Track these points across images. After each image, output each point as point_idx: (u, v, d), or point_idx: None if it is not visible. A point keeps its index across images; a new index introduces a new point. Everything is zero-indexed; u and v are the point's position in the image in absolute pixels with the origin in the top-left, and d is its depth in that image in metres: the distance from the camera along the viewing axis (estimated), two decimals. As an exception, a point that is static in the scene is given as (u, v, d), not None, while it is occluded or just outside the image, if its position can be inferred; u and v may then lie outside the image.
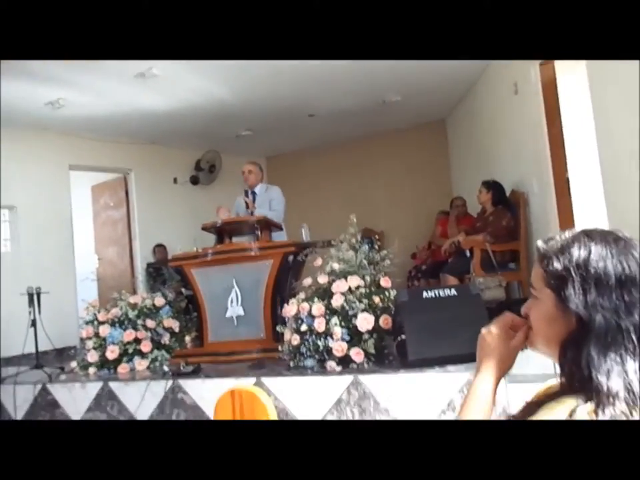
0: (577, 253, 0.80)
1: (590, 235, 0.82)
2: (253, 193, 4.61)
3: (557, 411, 0.75)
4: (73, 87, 4.61)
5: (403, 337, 2.63)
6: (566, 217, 3.65)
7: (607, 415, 0.71)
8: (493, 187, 4.44)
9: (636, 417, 0.71)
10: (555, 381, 0.86)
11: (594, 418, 0.71)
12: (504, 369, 0.91)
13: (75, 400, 3.32)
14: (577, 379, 0.77)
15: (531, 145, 4.22)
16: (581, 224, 2.75)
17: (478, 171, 5.46)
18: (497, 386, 0.91)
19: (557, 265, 0.81)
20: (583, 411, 0.72)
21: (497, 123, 5.08)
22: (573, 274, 0.79)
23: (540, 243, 0.87)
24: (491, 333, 0.94)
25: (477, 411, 0.88)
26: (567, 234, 0.85)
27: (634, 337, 0.75)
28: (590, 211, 2.97)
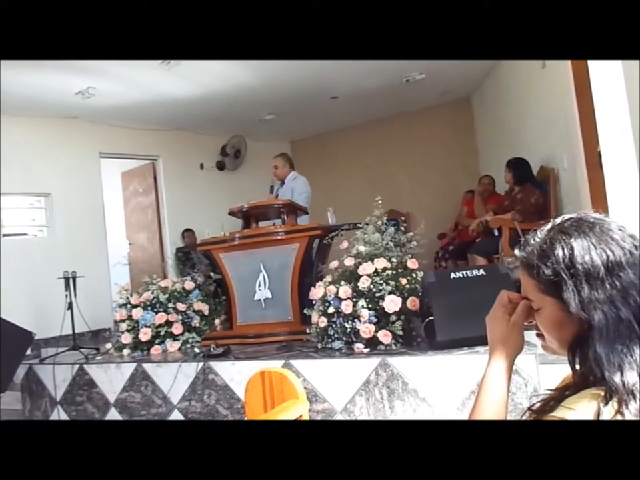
0: (561, 253, 0.78)
1: (564, 231, 0.80)
2: (283, 183, 4.81)
3: (580, 409, 0.73)
4: (101, 76, 4.68)
5: (431, 318, 2.62)
6: (597, 191, 3.54)
7: (631, 410, 0.70)
8: (514, 165, 4.36)
9: None
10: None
11: (619, 418, 0.70)
12: (510, 350, 0.88)
13: (111, 380, 3.44)
14: (591, 380, 0.75)
15: (560, 120, 4.10)
16: (613, 198, 2.68)
17: (505, 148, 5.34)
18: (510, 369, 0.88)
19: (548, 272, 0.79)
20: (608, 412, 0.71)
21: (525, 98, 4.95)
22: (565, 276, 0.77)
23: (518, 252, 0.85)
24: (489, 318, 0.92)
25: (490, 402, 0.85)
26: (539, 235, 0.83)
27: (636, 326, 0.74)
28: (623, 185, 2.88)
